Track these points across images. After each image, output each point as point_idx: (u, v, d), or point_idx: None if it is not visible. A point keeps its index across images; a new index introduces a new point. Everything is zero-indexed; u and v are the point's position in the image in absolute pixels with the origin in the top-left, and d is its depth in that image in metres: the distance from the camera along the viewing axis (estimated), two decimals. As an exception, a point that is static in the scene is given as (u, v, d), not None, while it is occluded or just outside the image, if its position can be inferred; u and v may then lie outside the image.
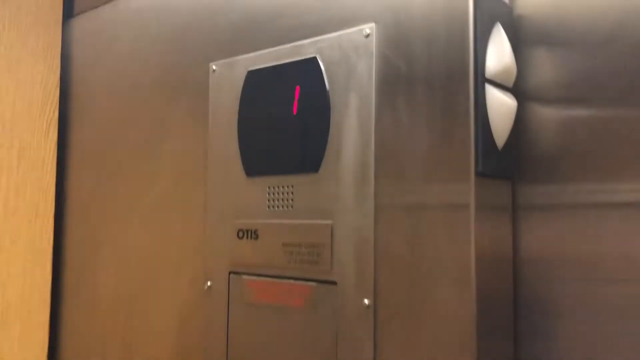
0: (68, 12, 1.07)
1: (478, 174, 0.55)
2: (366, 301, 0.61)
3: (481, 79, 0.55)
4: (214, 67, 0.80)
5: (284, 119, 0.70)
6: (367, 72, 0.63)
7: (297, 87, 0.69)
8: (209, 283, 0.77)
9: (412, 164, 0.58)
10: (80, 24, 1.06)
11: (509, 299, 0.61)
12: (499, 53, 0.57)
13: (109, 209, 0.94)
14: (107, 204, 0.95)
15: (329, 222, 0.65)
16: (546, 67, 0.61)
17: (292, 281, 0.68)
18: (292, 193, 0.69)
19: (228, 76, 0.78)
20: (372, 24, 0.63)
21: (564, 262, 0.60)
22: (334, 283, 0.64)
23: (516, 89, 0.61)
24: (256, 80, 0.74)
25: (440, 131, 0.57)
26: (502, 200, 0.61)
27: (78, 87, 1.04)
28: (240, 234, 0.74)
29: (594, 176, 0.59)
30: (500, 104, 0.57)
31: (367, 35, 0.63)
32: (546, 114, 0.61)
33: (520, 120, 0.61)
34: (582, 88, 0.59)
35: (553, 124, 0.61)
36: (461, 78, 0.55)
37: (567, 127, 0.60)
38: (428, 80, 0.58)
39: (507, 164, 0.60)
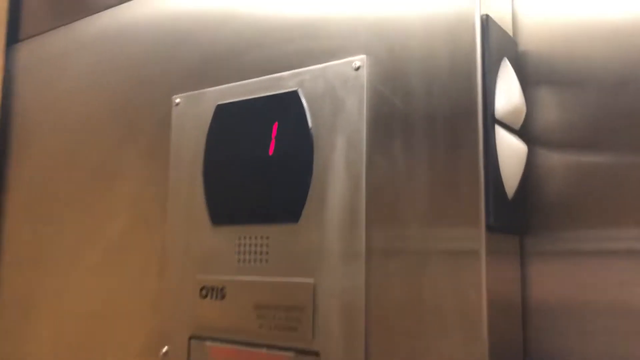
0: (12, 37, 0.97)
1: (488, 228, 0.47)
2: (355, 376, 0.52)
3: (491, 120, 0.48)
4: (177, 100, 0.71)
5: (259, 160, 0.61)
6: (356, 108, 0.55)
7: (275, 124, 0.61)
8: (165, 348, 0.66)
9: (410, 215, 0.51)
10: (26, 49, 0.96)
11: (520, 352, 0.53)
12: (508, 91, 0.51)
13: (48, 259, 0.82)
14: (46, 253, 0.83)
15: (310, 280, 0.56)
16: (553, 109, 0.55)
17: (264, 350, 0.58)
18: (266, 246, 0.60)
19: (193, 110, 0.69)
20: (363, 56, 0.55)
21: (575, 312, 0.53)
22: (315, 354, 0.54)
23: (523, 132, 0.55)
24: (226, 116, 0.65)
25: (444, 177, 0.49)
26: (511, 249, 0.53)
27: (20, 119, 0.93)
28: (204, 292, 0.63)
29: (606, 223, 0.52)
30: (511, 148, 0.50)
31: (357, 68, 0.55)
32: (553, 159, 0.55)
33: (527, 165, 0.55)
34: (592, 132, 0.53)
35: (560, 169, 0.55)
36: (468, 118, 0.48)
37: (576, 172, 0.54)
38: (429, 119, 0.51)
39: (518, 217, 0.53)
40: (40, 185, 0.87)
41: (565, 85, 0.55)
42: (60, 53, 0.88)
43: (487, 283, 0.47)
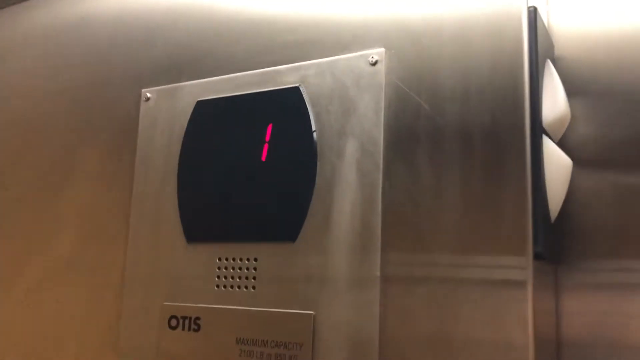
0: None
1: (536, 256, 0.40)
2: None
3: (539, 130, 0.41)
4: (147, 95, 0.60)
5: (248, 167, 0.52)
6: (373, 110, 0.47)
7: (269, 126, 0.52)
8: (120, 390, 0.55)
9: (439, 237, 0.42)
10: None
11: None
12: (553, 97, 0.44)
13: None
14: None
15: (309, 312, 0.47)
16: (591, 122, 0.49)
17: (249, 395, 0.48)
18: (254, 269, 0.50)
19: (168, 107, 0.59)
20: (381, 49, 0.47)
21: (611, 349, 0.46)
22: (315, 401, 0.45)
23: (562, 144, 0.48)
24: (208, 114, 0.56)
25: (483, 197, 0.41)
26: (549, 278, 0.46)
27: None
28: (174, 322, 0.53)
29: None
30: (558, 163, 0.44)
31: (375, 63, 0.47)
32: (590, 179, 0.49)
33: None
34: (635, 149, 0.48)
35: (598, 190, 0.48)
36: (514, 127, 0.41)
37: (615, 194, 0.48)
38: (464, 127, 0.43)
39: (558, 242, 0.46)
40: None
41: (605, 96, 0.49)
42: (6, 38, 0.76)
43: (534, 316, 0.39)
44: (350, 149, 0.47)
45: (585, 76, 0.50)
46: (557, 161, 0.43)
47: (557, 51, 0.51)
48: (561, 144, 0.48)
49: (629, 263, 0.46)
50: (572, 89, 0.50)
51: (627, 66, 0.48)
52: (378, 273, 0.44)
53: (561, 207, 0.45)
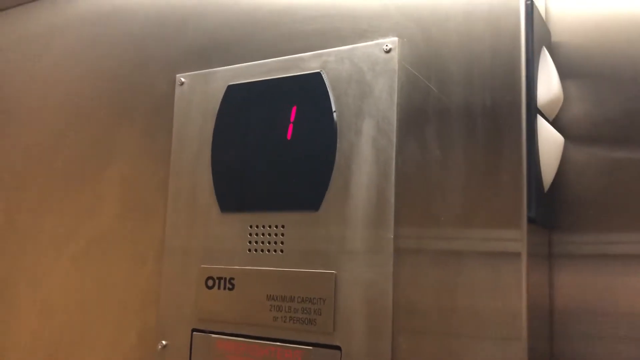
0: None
1: (529, 220, 0.46)
2: (380, 372, 0.50)
3: (533, 110, 0.47)
4: (182, 80, 0.67)
5: (275, 145, 0.58)
6: (387, 93, 0.53)
7: (294, 108, 0.58)
8: (163, 342, 0.62)
9: (445, 205, 0.49)
10: (3, 23, 0.89)
11: (547, 356, 0.53)
12: (547, 81, 0.49)
13: (30, 246, 0.76)
14: (27, 240, 0.76)
15: (331, 271, 0.53)
16: (584, 102, 0.54)
17: (279, 344, 0.55)
18: (282, 235, 0.57)
19: (201, 91, 0.65)
20: (395, 38, 0.53)
21: (600, 317, 0.52)
22: (336, 348, 0.52)
23: (556, 123, 0.54)
24: (239, 97, 0.62)
25: (484, 168, 0.47)
26: (543, 247, 0.52)
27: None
28: (210, 282, 0.60)
29: (635, 224, 0.52)
30: (551, 139, 0.49)
31: (389, 51, 0.53)
32: (582, 154, 0.54)
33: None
34: (626, 127, 0.53)
35: (589, 164, 0.54)
36: (511, 107, 0.47)
37: (605, 168, 0.53)
38: (467, 107, 0.49)
39: (551, 210, 0.51)
40: (17, 169, 0.80)
41: (598, 79, 0.54)
42: (45, 27, 0.82)
43: (528, 285, 0.45)
44: (367, 127, 0.53)
45: (580, 60, 0.55)
46: (549, 137, 0.49)
47: (555, 37, 0.56)
48: (555, 122, 0.54)
49: (618, 235, 0.52)
50: (569, 72, 0.55)
51: (616, 50, 0.53)
52: (391, 236, 0.51)
53: (554, 179, 0.51)
